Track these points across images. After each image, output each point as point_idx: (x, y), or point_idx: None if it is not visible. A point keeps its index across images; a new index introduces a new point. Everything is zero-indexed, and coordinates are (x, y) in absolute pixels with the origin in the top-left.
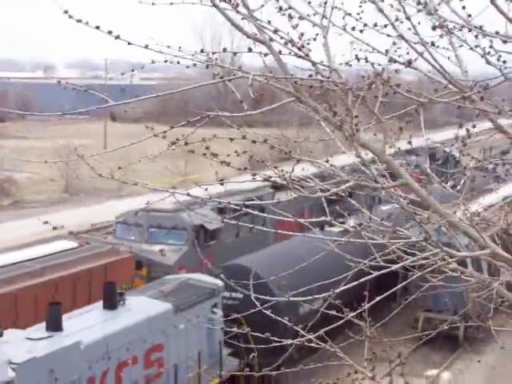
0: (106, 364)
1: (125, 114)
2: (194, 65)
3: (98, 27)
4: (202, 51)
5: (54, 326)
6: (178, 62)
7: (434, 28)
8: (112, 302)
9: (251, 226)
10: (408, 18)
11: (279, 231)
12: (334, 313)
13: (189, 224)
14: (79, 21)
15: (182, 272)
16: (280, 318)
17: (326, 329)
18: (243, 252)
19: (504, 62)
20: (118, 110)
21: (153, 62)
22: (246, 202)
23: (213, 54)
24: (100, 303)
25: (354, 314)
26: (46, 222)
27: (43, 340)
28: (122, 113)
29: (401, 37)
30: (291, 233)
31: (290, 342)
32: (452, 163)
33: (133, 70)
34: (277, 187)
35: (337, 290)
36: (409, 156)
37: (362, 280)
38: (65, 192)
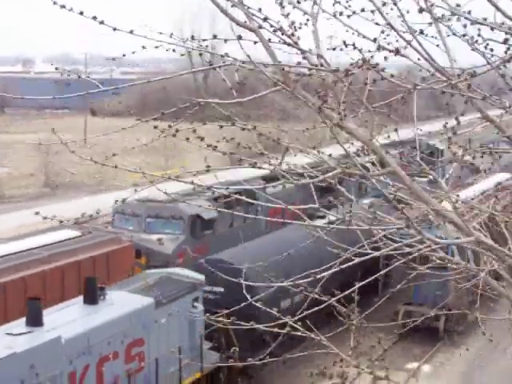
0: (86, 359)
1: (104, 109)
2: (189, 53)
3: (81, 13)
4: (192, 38)
5: (34, 321)
6: (174, 50)
7: (420, 11)
8: (93, 296)
9: (243, 215)
10: (395, 4)
11: (269, 219)
12: (317, 296)
13: (186, 214)
14: (63, 6)
15: (180, 260)
16: (268, 309)
17: (309, 311)
18: (237, 241)
19: (491, 49)
20: (98, 104)
21: (143, 47)
22: (232, 187)
23: (203, 40)
24: (80, 298)
25: (336, 298)
26: (38, 213)
27: (23, 335)
28: (102, 107)
29: (389, 25)
30: (281, 220)
31: (276, 330)
32: (436, 156)
33: (113, 59)
34: (268, 179)
35: (321, 275)
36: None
37: (343, 266)
38: (45, 187)
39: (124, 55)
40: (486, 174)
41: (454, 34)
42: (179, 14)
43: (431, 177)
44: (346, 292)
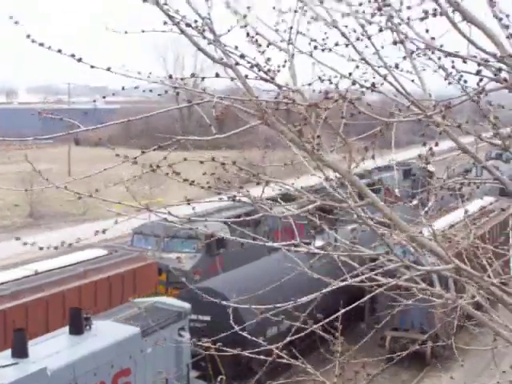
0: None
1: (88, 138)
2: (166, 92)
3: (59, 51)
4: (170, 77)
5: (20, 352)
6: (151, 91)
7: (394, 43)
8: (78, 326)
9: (242, 240)
10: (369, 38)
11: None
12: (299, 325)
13: (202, 233)
14: (41, 44)
15: (196, 277)
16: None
17: (294, 337)
18: (247, 259)
19: (465, 81)
20: (82, 133)
21: (123, 88)
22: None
23: (181, 79)
24: (66, 328)
25: (319, 325)
26: (25, 243)
27: (9, 367)
28: (85, 137)
29: (364, 60)
30: (275, 244)
31: (262, 358)
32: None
33: (111, 94)
34: (272, 200)
35: (303, 300)
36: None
37: (326, 290)
38: (29, 217)
39: (104, 97)
40: (468, 198)
41: (432, 61)
42: (163, 41)
43: (415, 202)
44: (328, 319)
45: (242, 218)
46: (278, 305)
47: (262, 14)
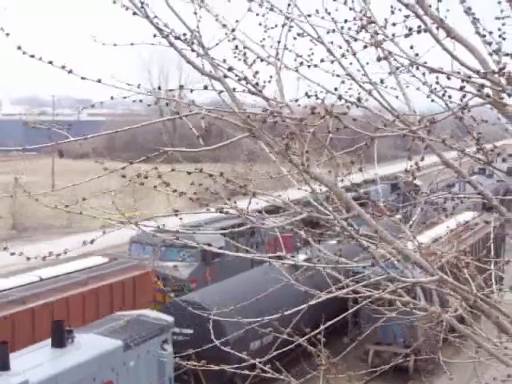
0: None
1: (71, 151)
2: (156, 103)
3: (51, 62)
4: (159, 88)
5: (1, 365)
6: (141, 101)
7: (379, 59)
8: (60, 339)
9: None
10: (354, 54)
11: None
12: (285, 337)
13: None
14: (32, 56)
15: (193, 285)
16: (237, 350)
17: (277, 352)
18: (242, 268)
19: (449, 96)
20: (65, 146)
21: (112, 98)
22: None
23: (170, 91)
24: (48, 341)
25: (305, 338)
26: (13, 253)
27: None
28: (69, 149)
29: (349, 76)
30: (264, 256)
31: (245, 372)
32: (413, 191)
33: (97, 104)
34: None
35: (286, 313)
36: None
37: (310, 303)
38: (12, 229)
39: (93, 105)
40: (451, 213)
41: (415, 78)
42: (148, 53)
43: (399, 216)
44: (312, 333)
45: (229, 230)
46: (261, 318)
47: (249, 29)
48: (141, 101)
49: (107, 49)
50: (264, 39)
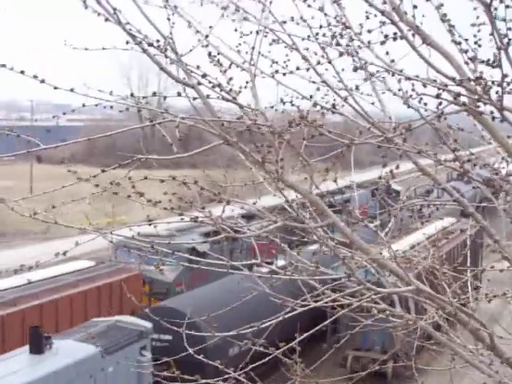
0: None
1: (51, 155)
2: (127, 109)
3: (22, 72)
4: (132, 95)
5: None
6: (111, 107)
7: (355, 69)
8: (38, 346)
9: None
10: (329, 62)
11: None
12: (262, 349)
13: (183, 247)
14: (3, 65)
15: (178, 288)
16: (213, 359)
17: (255, 365)
18: (226, 273)
19: (425, 104)
20: (44, 151)
21: (83, 105)
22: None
23: (143, 98)
24: (26, 347)
25: (281, 350)
26: None
27: None
28: (48, 154)
29: (325, 82)
30: (239, 264)
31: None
32: (393, 196)
33: (64, 113)
34: (249, 216)
35: (263, 325)
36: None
37: (287, 315)
38: None
39: (73, 110)
40: (427, 220)
41: (388, 87)
42: (127, 59)
43: (377, 223)
44: (288, 346)
45: (204, 240)
46: (235, 331)
47: (224, 35)
48: (111, 107)
49: (87, 53)
50: (240, 44)
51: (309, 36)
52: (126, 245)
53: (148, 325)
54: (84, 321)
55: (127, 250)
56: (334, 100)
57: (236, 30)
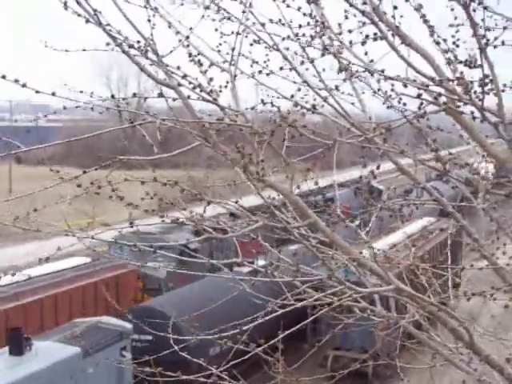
0: None
1: (30, 156)
2: (107, 109)
3: (3, 77)
4: (112, 97)
5: None
6: (92, 109)
7: (339, 71)
8: (18, 347)
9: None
10: (311, 62)
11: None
12: (242, 347)
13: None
14: None
15: (171, 284)
16: (194, 358)
17: (234, 362)
18: (215, 268)
19: (404, 104)
20: (23, 152)
21: (64, 108)
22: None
23: (123, 99)
24: (6, 349)
25: (261, 348)
26: None
27: None
28: (27, 155)
29: (305, 83)
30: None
31: (203, 379)
32: (376, 195)
33: (36, 119)
34: (236, 215)
35: (245, 327)
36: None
37: (268, 317)
38: None
39: (55, 112)
40: (407, 219)
41: (369, 86)
42: (107, 59)
43: (357, 222)
44: (270, 342)
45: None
46: (215, 331)
47: (206, 35)
48: (91, 109)
49: (64, 54)
50: (220, 44)
51: (288, 36)
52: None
53: (128, 325)
54: (82, 316)
55: (120, 246)
56: (315, 100)
57: (216, 30)
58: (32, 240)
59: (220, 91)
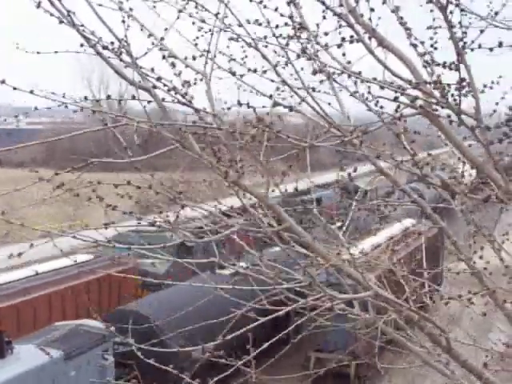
0: None
1: (9, 159)
2: (81, 109)
3: None
4: (85, 98)
5: None
6: (66, 106)
7: (314, 73)
8: (0, 350)
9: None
10: (289, 63)
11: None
12: (221, 360)
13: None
14: None
15: (170, 280)
16: (177, 362)
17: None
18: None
19: (381, 107)
20: (3, 154)
21: (36, 108)
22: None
23: (97, 101)
24: None
25: (242, 362)
26: None
27: None
28: (7, 158)
29: (284, 82)
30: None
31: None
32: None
33: (16, 116)
34: (229, 214)
35: (226, 338)
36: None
37: (251, 326)
38: None
39: (31, 110)
40: (387, 221)
41: (346, 89)
42: (87, 61)
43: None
44: (248, 358)
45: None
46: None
47: (183, 31)
48: (66, 106)
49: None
50: (197, 38)
51: (265, 36)
52: (119, 240)
53: (110, 328)
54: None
55: (120, 244)
56: (292, 97)
57: (194, 24)
58: (10, 244)
59: (189, 86)
